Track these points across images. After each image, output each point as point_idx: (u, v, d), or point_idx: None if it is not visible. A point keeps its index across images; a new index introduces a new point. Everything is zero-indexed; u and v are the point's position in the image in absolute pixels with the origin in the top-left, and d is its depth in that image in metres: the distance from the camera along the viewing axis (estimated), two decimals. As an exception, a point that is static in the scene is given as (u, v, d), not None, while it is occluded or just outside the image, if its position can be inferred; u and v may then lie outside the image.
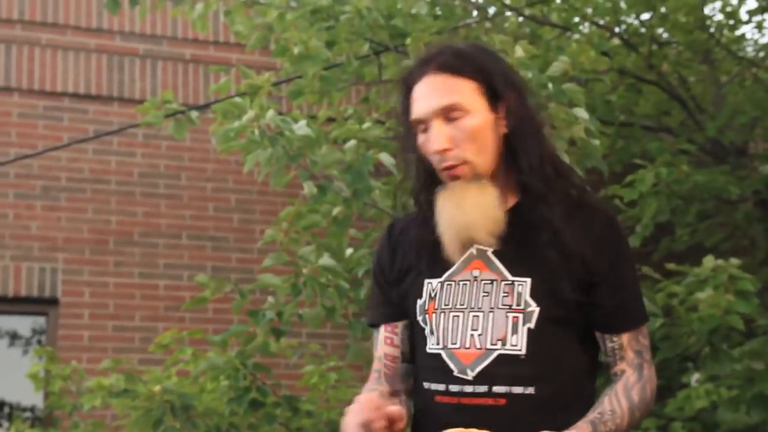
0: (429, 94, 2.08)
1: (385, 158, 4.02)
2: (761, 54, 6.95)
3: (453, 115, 2.07)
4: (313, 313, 4.12)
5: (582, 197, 2.17)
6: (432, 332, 2.13)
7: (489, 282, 2.09)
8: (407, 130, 2.17)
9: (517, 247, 2.09)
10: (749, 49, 7.09)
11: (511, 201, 2.15)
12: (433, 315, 2.12)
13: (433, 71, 2.10)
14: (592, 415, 2.03)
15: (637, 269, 2.23)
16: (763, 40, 7.19)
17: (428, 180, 2.17)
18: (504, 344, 2.05)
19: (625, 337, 2.12)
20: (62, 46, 6.72)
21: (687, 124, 6.24)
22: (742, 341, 4.74)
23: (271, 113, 3.72)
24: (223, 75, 6.03)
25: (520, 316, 2.05)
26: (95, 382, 5.03)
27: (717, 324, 4.37)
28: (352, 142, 4.01)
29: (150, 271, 6.66)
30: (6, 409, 6.61)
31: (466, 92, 2.08)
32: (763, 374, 4.73)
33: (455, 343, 2.08)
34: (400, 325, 2.23)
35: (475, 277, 2.10)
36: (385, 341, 2.24)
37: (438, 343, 2.11)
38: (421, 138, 2.13)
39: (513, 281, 2.07)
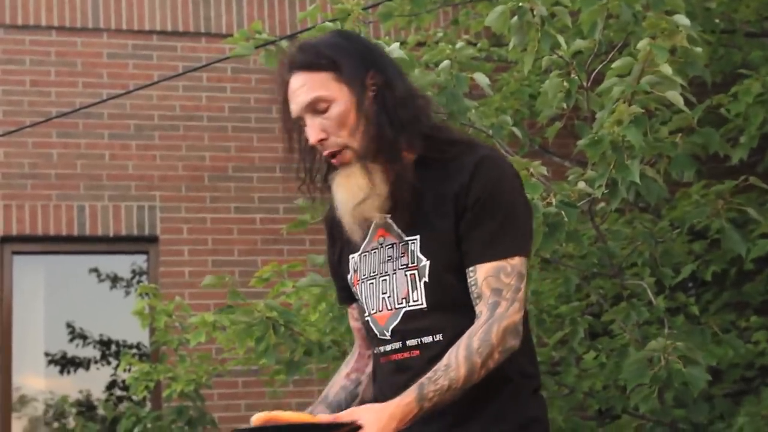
0: (297, 92, 2.22)
1: (480, 78, 3.94)
2: None
3: (319, 107, 2.19)
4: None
5: (463, 148, 2.24)
6: (360, 302, 2.35)
7: (390, 246, 2.25)
8: (293, 124, 2.30)
9: (407, 208, 2.22)
10: None
11: (398, 168, 2.24)
12: (358, 286, 2.33)
13: (293, 72, 2.23)
14: (426, 375, 2.07)
15: (525, 206, 2.23)
16: None
17: (323, 166, 2.31)
18: (408, 301, 2.21)
19: (480, 272, 2.14)
20: (147, -16, 6.71)
21: (790, 29, 6.01)
22: None
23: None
24: (309, 3, 5.98)
25: (416, 272, 2.20)
26: (199, 318, 5.08)
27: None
28: (445, 63, 3.93)
29: (246, 205, 6.68)
30: (113, 347, 6.74)
31: (324, 84, 2.20)
32: None
33: (373, 309, 2.28)
34: (354, 305, 2.43)
35: (381, 243, 2.27)
36: (350, 316, 2.48)
37: (365, 311, 2.32)
38: (304, 131, 2.28)
39: (407, 241, 2.22)
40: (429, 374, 2.07)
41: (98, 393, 6.70)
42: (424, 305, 2.19)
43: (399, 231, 2.23)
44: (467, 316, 2.15)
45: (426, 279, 2.19)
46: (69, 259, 6.71)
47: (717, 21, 5.33)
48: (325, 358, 4.68)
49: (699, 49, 3.71)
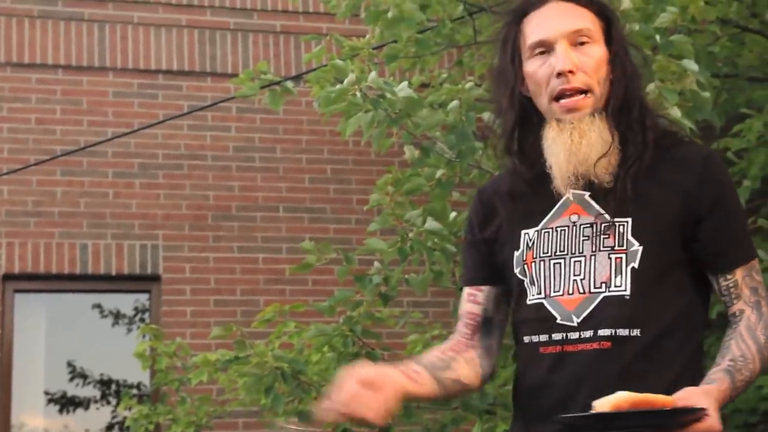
0: (557, 17, 2.06)
1: (489, 117, 3.95)
2: None
3: (582, 40, 2.05)
4: (420, 277, 4.08)
5: (678, 138, 2.13)
6: (533, 282, 2.09)
7: (588, 225, 2.04)
8: (509, 61, 2.12)
9: (615, 187, 2.04)
10: None
11: (639, 143, 2.09)
12: (532, 264, 2.08)
13: (555, 0, 2.08)
14: (725, 362, 1.96)
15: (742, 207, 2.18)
16: None
17: (525, 119, 2.12)
18: (608, 286, 2.00)
19: (738, 274, 2.05)
20: (154, 24, 6.74)
21: (793, 75, 6.04)
22: None
23: (373, 75, 3.68)
24: (314, 44, 5.99)
25: (623, 256, 2.00)
26: (201, 357, 5.05)
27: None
28: (454, 102, 3.94)
29: (248, 245, 6.67)
30: (113, 387, 6.70)
31: (593, 22, 2.08)
32: None
33: (558, 291, 2.05)
34: (484, 288, 2.20)
35: (574, 222, 2.06)
36: (468, 299, 2.21)
37: (540, 293, 2.07)
38: (533, 64, 2.08)
39: (614, 222, 2.02)
40: (727, 363, 1.95)
41: (98, 433, 6.65)
42: (627, 293, 1.99)
43: (600, 210, 2.04)
44: (668, 313, 2.01)
45: (635, 264, 2.00)
46: (71, 298, 6.69)
47: (720, 65, 5.36)
48: None
49: (707, 93, 3.73)
